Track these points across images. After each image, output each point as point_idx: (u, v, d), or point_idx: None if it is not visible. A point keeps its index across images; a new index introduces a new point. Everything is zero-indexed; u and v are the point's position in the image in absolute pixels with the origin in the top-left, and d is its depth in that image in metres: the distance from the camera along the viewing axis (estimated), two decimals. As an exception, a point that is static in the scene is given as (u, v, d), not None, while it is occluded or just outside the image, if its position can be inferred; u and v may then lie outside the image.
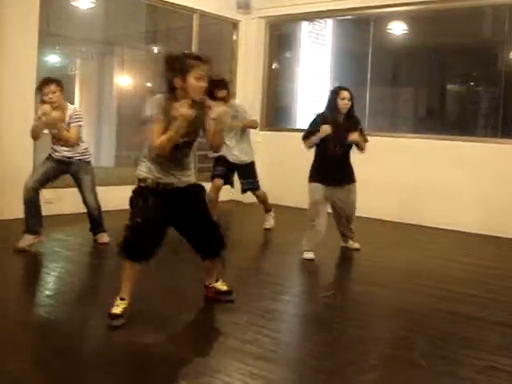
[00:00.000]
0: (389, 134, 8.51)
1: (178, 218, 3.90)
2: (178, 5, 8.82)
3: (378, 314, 4.36)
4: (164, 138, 3.59)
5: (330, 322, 4.07)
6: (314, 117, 5.89)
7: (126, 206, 3.86)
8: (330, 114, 5.66)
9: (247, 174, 6.92)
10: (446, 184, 7.73)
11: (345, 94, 5.58)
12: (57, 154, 5.76)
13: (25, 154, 7.08)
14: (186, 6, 8.94)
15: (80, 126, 5.63)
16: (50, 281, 4.84)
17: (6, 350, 3.28)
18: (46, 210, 7.15)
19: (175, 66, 3.64)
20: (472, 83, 9.51)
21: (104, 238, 6.03)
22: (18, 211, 6.91)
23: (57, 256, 5.64)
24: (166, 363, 3.20)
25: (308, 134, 5.70)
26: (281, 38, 10.38)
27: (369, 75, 9.03)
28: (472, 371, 3.23)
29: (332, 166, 5.73)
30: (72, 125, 5.56)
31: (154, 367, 3.13)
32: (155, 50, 10.71)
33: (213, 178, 6.78)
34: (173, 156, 3.73)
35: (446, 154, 7.79)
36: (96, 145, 10.91)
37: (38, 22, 7.06)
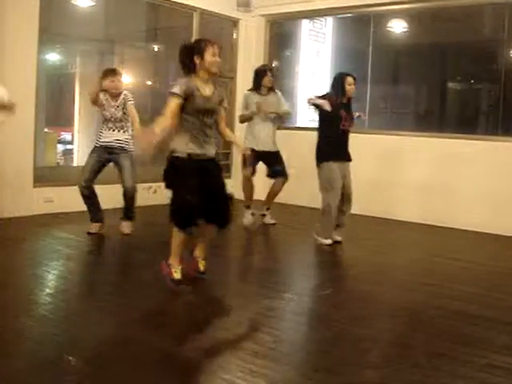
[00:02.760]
0: (389, 131, 8.50)
1: (202, 186, 4.37)
2: (178, 3, 8.81)
3: (379, 313, 4.36)
4: (159, 128, 4.19)
5: (331, 321, 4.07)
6: (321, 95, 6.29)
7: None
8: (336, 96, 6.11)
9: (279, 160, 7.10)
10: (446, 182, 7.72)
11: (351, 80, 6.12)
12: (105, 139, 6.24)
13: (25, 154, 7.09)
14: (186, 5, 8.93)
15: (132, 104, 6.26)
16: (51, 279, 4.84)
17: (6, 350, 3.29)
18: (46, 208, 7.20)
19: (194, 48, 4.43)
20: (472, 81, 9.50)
21: (127, 227, 6.36)
22: (19, 210, 6.94)
23: (58, 254, 5.64)
24: (166, 361, 3.20)
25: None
26: (281, 36, 10.37)
27: (369, 73, 9.02)
28: (472, 369, 3.24)
29: (340, 141, 6.18)
30: (129, 103, 6.21)
31: (154, 365, 3.13)
32: (155, 48, 10.71)
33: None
34: (200, 129, 4.42)
35: (445, 152, 7.78)
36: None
37: (38, 20, 7.06)
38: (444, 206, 7.74)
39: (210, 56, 4.39)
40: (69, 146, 11.13)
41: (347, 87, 6.08)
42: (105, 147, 6.25)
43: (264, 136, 7.06)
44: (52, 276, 4.92)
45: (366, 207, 8.16)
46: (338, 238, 6.32)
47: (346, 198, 6.23)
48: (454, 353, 3.47)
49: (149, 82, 10.54)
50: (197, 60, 4.40)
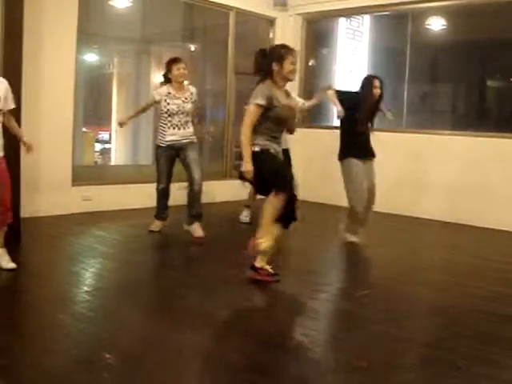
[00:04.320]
0: (427, 130, 8.40)
1: None
2: (214, 2, 8.83)
3: (416, 314, 4.30)
4: (246, 141, 4.48)
5: (367, 321, 4.03)
6: (350, 91, 6.45)
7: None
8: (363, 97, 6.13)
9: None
10: (485, 182, 7.59)
11: (377, 83, 6.14)
12: (171, 138, 6.09)
13: (64, 153, 7.17)
14: (222, 4, 8.95)
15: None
16: (88, 277, 4.89)
17: (45, 346, 3.32)
18: (84, 207, 7.28)
19: (273, 55, 4.54)
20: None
21: (199, 229, 6.09)
22: (57, 208, 7.03)
23: (95, 252, 5.70)
24: (208, 364, 3.20)
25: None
26: (318, 34, 10.32)
27: (407, 72, 8.92)
28: (513, 373, 3.17)
29: (360, 141, 6.17)
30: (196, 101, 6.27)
31: (195, 368, 3.13)
32: (192, 48, 10.74)
33: None
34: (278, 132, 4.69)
35: (485, 151, 7.65)
36: (134, 143, 11.02)
37: (76, 21, 7.15)
38: (482, 206, 7.61)
39: (289, 64, 4.51)
40: (106, 146, 11.23)
41: (374, 90, 6.10)
42: (172, 146, 6.12)
43: None
44: (89, 274, 4.96)
45: (403, 207, 8.08)
46: (354, 239, 6.26)
47: (368, 194, 6.18)
48: (494, 356, 3.39)
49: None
50: (275, 67, 4.51)
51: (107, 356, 3.16)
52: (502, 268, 5.68)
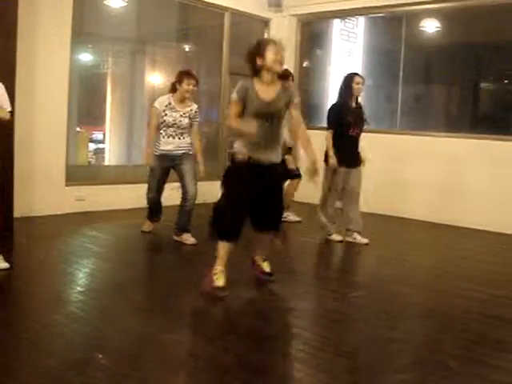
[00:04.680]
0: (421, 132, 8.42)
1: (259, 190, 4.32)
2: (209, 3, 8.84)
3: (408, 315, 4.32)
4: (236, 125, 4.21)
5: (359, 322, 4.04)
6: (330, 108, 6.44)
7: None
8: (342, 102, 6.23)
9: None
10: (478, 183, 7.62)
11: (359, 79, 6.23)
12: (166, 147, 5.98)
13: (57, 153, 7.16)
14: (217, 5, 8.96)
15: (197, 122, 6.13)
16: (82, 277, 4.88)
17: (39, 346, 3.32)
18: (78, 207, 7.27)
19: (255, 49, 4.31)
20: (506, 81, 9.34)
21: (190, 239, 6.04)
22: (51, 208, 7.02)
23: (88, 252, 5.69)
24: (195, 357, 3.20)
25: (330, 126, 6.26)
26: (312, 35, 10.34)
27: (401, 73, 8.95)
28: (503, 374, 3.18)
29: (351, 147, 6.27)
30: (196, 121, 6.08)
31: (187, 367, 3.13)
32: (186, 48, 10.73)
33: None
34: (262, 134, 4.19)
35: (478, 153, 7.68)
36: (127, 143, 11.00)
37: (71, 20, 7.14)
38: (474, 207, 7.64)
39: (272, 54, 4.23)
40: (100, 145, 11.21)
41: (355, 86, 6.16)
42: (165, 155, 5.99)
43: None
44: (82, 274, 4.96)
45: (396, 209, 8.11)
46: (339, 238, 6.46)
47: (352, 199, 6.37)
48: (486, 357, 3.41)
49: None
50: (259, 61, 4.26)
51: (100, 356, 3.17)
52: (493, 269, 5.71)
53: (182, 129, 5.97)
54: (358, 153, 6.37)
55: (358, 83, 6.19)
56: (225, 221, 4.31)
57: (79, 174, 7.91)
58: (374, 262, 5.98)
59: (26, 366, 3.02)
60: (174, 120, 5.93)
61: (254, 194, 4.30)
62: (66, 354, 3.22)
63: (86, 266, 5.21)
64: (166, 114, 5.93)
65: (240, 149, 4.29)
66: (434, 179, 8.00)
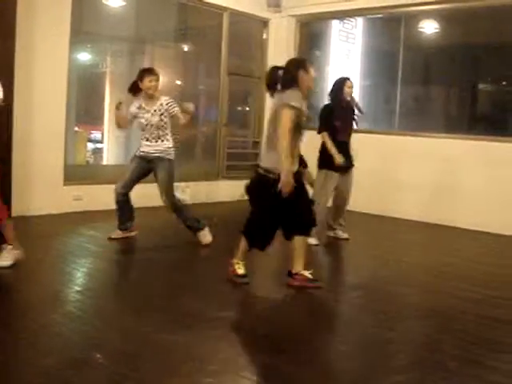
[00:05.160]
0: (419, 133, 8.43)
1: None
2: (208, 3, 8.85)
3: (406, 316, 4.33)
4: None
5: (357, 323, 4.05)
6: (323, 108, 6.53)
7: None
8: (333, 105, 6.38)
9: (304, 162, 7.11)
10: (475, 184, 7.63)
11: (350, 83, 6.42)
12: (143, 149, 5.90)
13: (56, 152, 7.16)
14: (216, 5, 8.97)
15: (177, 110, 5.87)
16: (80, 276, 4.88)
17: (36, 346, 3.32)
18: (76, 206, 7.27)
19: (299, 63, 4.68)
20: (504, 82, 9.36)
21: (206, 237, 6.00)
22: (49, 207, 7.02)
23: (86, 252, 5.69)
24: (193, 357, 3.21)
25: (324, 128, 6.33)
26: (311, 36, 10.34)
27: (400, 74, 8.96)
28: (500, 375, 3.19)
29: (343, 148, 6.32)
30: (175, 110, 5.82)
31: (187, 360, 3.13)
32: (185, 48, 10.73)
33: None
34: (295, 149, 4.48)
35: (476, 154, 7.69)
36: (126, 142, 10.99)
37: (70, 20, 7.14)
38: (472, 208, 7.65)
39: (312, 72, 4.66)
40: (98, 145, 11.20)
41: (346, 89, 6.34)
42: (144, 157, 5.90)
43: None
44: (80, 273, 4.96)
45: (393, 209, 8.12)
46: (345, 235, 6.56)
47: (342, 199, 6.50)
48: (483, 358, 3.42)
49: (178, 82, 10.56)
50: (303, 74, 4.56)
51: (98, 355, 3.17)
52: (490, 270, 5.72)
53: (157, 129, 5.81)
54: (350, 156, 6.44)
55: (349, 87, 6.38)
56: (258, 235, 4.61)
57: (77, 174, 7.91)
58: (371, 263, 5.98)
59: (25, 365, 3.03)
60: (146, 121, 5.82)
61: (284, 203, 4.43)
62: (64, 354, 3.22)
63: (84, 266, 5.22)
64: (140, 117, 5.84)
65: (289, 167, 4.34)
66: (432, 180, 8.01)
